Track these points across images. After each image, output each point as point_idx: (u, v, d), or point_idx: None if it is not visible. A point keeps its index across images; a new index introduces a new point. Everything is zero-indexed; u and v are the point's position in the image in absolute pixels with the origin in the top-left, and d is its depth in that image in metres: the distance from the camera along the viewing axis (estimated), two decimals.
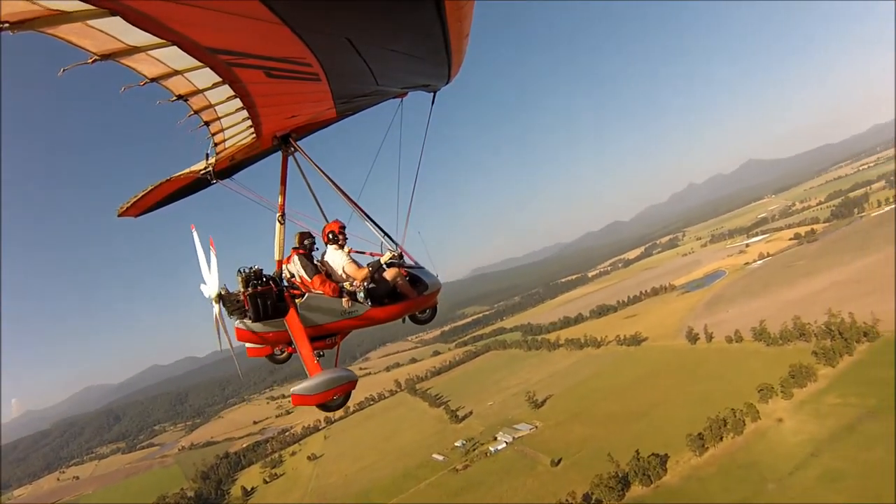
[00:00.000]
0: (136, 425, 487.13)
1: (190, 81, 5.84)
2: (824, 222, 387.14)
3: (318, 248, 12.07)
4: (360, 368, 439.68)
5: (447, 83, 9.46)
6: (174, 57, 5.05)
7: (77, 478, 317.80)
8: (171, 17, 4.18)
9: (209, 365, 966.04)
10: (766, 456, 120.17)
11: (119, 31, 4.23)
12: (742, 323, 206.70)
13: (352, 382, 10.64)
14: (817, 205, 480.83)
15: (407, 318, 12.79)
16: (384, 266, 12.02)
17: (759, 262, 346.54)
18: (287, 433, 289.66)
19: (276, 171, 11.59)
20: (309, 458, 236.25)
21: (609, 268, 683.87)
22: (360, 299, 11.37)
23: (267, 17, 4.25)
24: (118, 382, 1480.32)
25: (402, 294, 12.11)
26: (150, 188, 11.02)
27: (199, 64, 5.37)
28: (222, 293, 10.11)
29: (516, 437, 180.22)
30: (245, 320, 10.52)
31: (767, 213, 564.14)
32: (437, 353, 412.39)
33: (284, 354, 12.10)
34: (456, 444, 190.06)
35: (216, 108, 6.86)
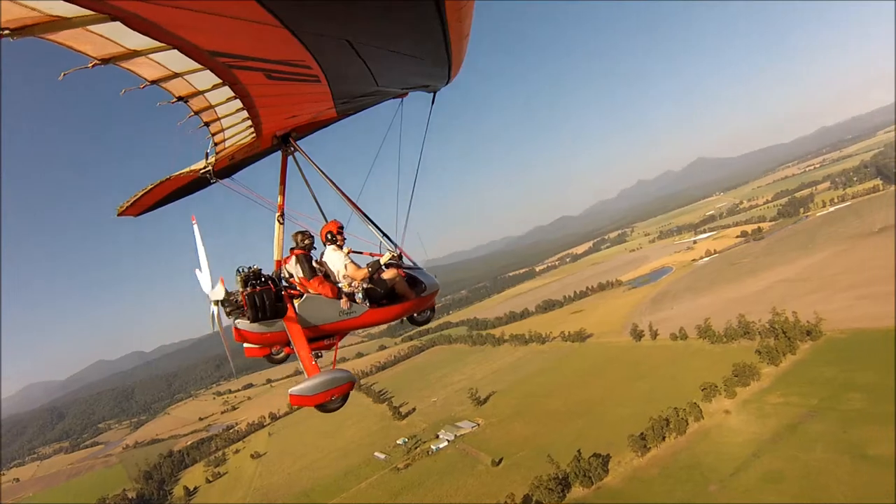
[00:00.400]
0: (80, 423, 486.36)
1: (190, 83, 5.96)
2: (771, 221, 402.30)
3: (316, 248, 12.10)
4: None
5: (447, 83, 9.51)
6: (174, 60, 5.18)
7: (17, 480, 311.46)
8: (170, 22, 4.27)
9: (157, 360, 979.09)
10: (708, 457, 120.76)
11: (119, 35, 4.34)
12: (687, 320, 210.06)
13: (350, 383, 10.83)
14: (764, 203, 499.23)
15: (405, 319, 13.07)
16: (383, 267, 12.15)
17: (705, 259, 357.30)
18: (232, 430, 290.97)
19: (275, 170, 11.87)
20: (252, 456, 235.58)
21: (557, 262, 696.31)
22: (358, 300, 11.52)
23: (266, 19, 4.33)
24: (63, 379, 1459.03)
25: (401, 295, 12.31)
26: (149, 187, 11.08)
27: (199, 66, 5.48)
28: (222, 298, 10.30)
29: (458, 435, 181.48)
30: (243, 320, 10.60)
31: (715, 211, 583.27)
32: (383, 348, 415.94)
33: (282, 354, 12.28)
34: (398, 441, 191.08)
35: (216, 108, 6.98)
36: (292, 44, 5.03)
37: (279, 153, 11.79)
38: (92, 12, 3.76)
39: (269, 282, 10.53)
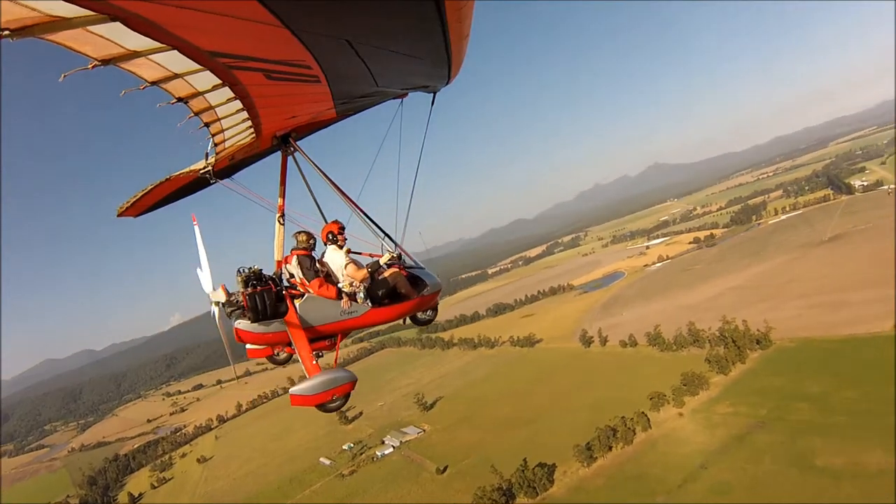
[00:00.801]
0: (25, 425, 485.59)
1: (190, 84, 6.08)
2: (723, 227, 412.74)
3: (317, 248, 12.24)
4: (258, 363, 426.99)
5: (447, 84, 9.62)
6: (174, 60, 5.28)
7: None
8: (171, 22, 4.34)
9: (107, 358, 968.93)
10: (655, 468, 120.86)
11: (119, 36, 4.42)
12: (637, 327, 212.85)
13: (351, 383, 11.04)
14: (717, 210, 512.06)
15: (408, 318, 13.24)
16: (384, 266, 12.34)
17: (658, 265, 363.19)
18: (179, 433, 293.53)
19: (275, 170, 12.11)
20: (198, 460, 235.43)
21: (510, 265, 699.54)
22: (359, 300, 11.64)
23: (267, 19, 4.40)
24: (8, 378, 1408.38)
25: (403, 294, 12.31)
26: (149, 188, 11.20)
27: (199, 67, 5.60)
28: (222, 299, 10.68)
29: (404, 441, 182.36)
30: (244, 320, 10.81)
31: (669, 217, 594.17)
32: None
33: (284, 355, 12.41)
34: (344, 447, 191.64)
35: (216, 109, 7.13)
36: (292, 44, 5.12)
37: (279, 153, 11.97)
38: (92, 12, 3.83)
39: (270, 282, 10.81)
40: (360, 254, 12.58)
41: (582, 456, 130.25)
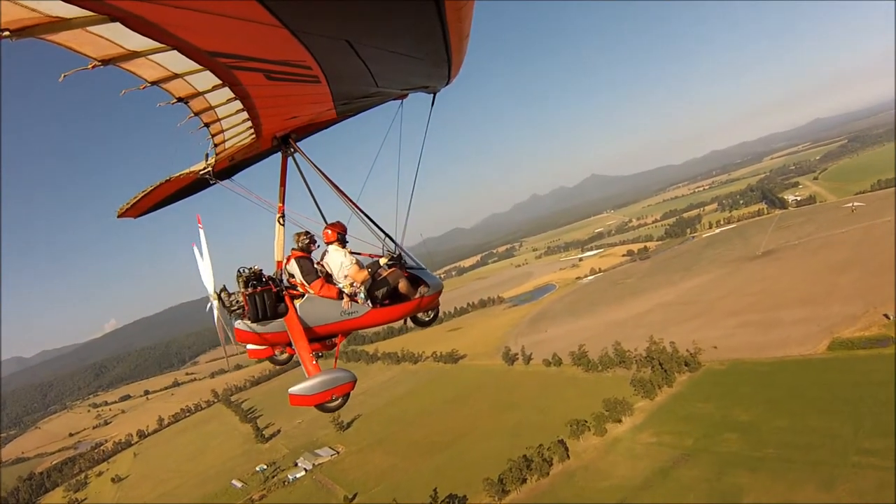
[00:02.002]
0: None
1: (190, 84, 6.13)
2: (657, 240, 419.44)
3: (318, 247, 12.55)
4: (187, 374, 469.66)
5: (447, 84, 9.67)
6: (174, 60, 5.33)
7: None
8: (171, 22, 4.40)
9: (36, 366, 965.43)
10: None
11: (119, 36, 4.46)
12: (563, 344, 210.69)
13: (350, 383, 11.24)
14: (653, 222, 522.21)
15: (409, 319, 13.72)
16: (384, 267, 12.75)
17: (590, 278, 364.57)
18: (99, 448, 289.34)
19: (275, 171, 12.33)
20: (113, 479, 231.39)
21: (443, 275, 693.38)
22: (360, 301, 11.96)
23: (267, 20, 4.47)
24: None
25: (403, 295, 12.63)
26: (149, 189, 11.38)
27: (199, 67, 5.67)
28: (221, 295, 11.09)
29: (316, 463, 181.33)
30: (245, 321, 11.22)
31: (604, 228, 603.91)
32: (261, 360, 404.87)
33: (285, 355, 12.75)
34: (257, 468, 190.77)
35: (216, 109, 7.18)
36: (292, 44, 5.21)
37: (279, 154, 12.10)
38: (92, 13, 3.90)
39: (270, 283, 11.19)
40: (360, 254, 12.79)
41: (493, 490, 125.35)
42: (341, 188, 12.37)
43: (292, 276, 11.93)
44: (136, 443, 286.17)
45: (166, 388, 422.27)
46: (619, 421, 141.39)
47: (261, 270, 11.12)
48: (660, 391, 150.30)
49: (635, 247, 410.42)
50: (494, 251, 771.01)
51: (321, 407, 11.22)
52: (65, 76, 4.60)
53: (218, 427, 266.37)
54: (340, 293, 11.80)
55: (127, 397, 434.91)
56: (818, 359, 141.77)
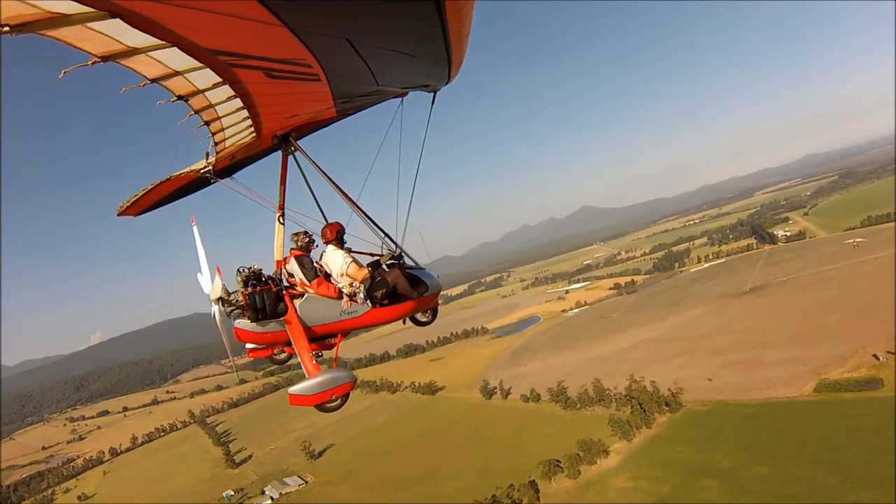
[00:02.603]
0: None
1: (190, 82, 6.19)
2: (645, 274, 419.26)
3: (317, 246, 12.69)
4: (168, 392, 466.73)
5: (447, 83, 9.86)
6: (174, 58, 5.39)
7: None
8: (171, 20, 4.46)
9: (18, 375, 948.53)
10: None
11: (119, 32, 4.50)
12: (542, 380, 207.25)
13: (350, 383, 11.36)
14: (642, 256, 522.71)
15: (408, 319, 13.80)
16: (384, 267, 12.87)
17: (575, 311, 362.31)
18: (70, 464, 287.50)
19: (276, 170, 12.49)
20: (80, 497, 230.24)
21: None
22: (359, 300, 12.07)
23: (267, 18, 4.53)
24: None
25: (403, 295, 12.66)
26: (149, 187, 11.47)
27: (200, 65, 5.73)
28: (223, 296, 11.11)
29: (283, 492, 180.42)
30: (244, 320, 11.28)
31: (593, 261, 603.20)
32: (242, 382, 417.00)
33: (284, 355, 12.83)
34: (224, 495, 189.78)
35: (216, 107, 7.26)
36: (293, 43, 5.26)
37: (279, 152, 12.15)
38: (92, 9, 3.93)
39: (270, 282, 11.31)
40: (360, 253, 12.95)
41: None
42: (341, 187, 12.37)
43: (292, 275, 12.04)
44: (108, 461, 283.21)
45: (145, 406, 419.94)
46: (594, 463, 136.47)
47: (260, 270, 11.22)
48: (638, 432, 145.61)
49: (622, 280, 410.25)
50: (482, 280, 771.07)
51: (321, 407, 11.27)
52: (65, 72, 4.63)
53: (190, 449, 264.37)
54: (340, 293, 11.92)
55: (105, 413, 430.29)
56: (804, 401, 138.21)
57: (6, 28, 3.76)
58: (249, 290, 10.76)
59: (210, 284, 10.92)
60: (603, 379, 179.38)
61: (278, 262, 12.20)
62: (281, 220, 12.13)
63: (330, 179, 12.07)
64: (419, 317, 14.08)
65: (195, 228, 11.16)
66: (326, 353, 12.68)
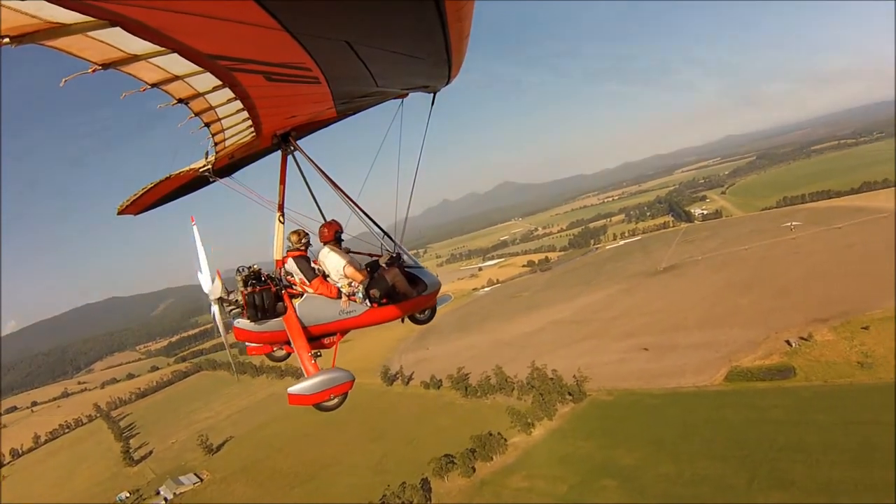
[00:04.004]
0: None
1: (190, 86, 6.34)
2: (560, 251, 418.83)
3: (313, 247, 12.88)
4: (79, 383, 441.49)
5: (447, 84, 9.92)
6: (174, 63, 5.50)
7: None
8: (170, 27, 4.52)
9: None
10: None
11: (119, 40, 4.58)
12: (445, 364, 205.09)
13: (348, 383, 11.49)
14: (558, 232, 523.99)
15: (407, 318, 13.85)
16: (383, 266, 12.90)
17: (486, 289, 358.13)
18: None
19: (275, 169, 12.71)
20: None
21: None
22: (358, 300, 12.16)
23: (266, 23, 4.54)
24: None
25: (402, 294, 12.77)
26: (149, 186, 11.56)
27: (200, 69, 5.82)
28: (222, 296, 11.33)
29: (178, 492, 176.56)
30: (243, 319, 11.44)
31: (509, 237, 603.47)
32: (154, 369, 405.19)
33: (283, 353, 12.99)
34: (118, 497, 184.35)
35: (216, 109, 7.43)
36: (292, 46, 5.31)
37: (279, 152, 12.30)
38: (91, 18, 3.99)
39: (269, 282, 11.41)
40: (359, 253, 13.29)
41: None
42: (341, 186, 12.50)
43: (290, 274, 12.10)
44: (9, 463, 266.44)
45: (54, 400, 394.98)
46: (490, 459, 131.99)
47: (260, 269, 11.31)
48: (538, 424, 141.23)
49: (536, 257, 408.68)
50: None
51: (319, 406, 11.31)
52: (66, 80, 4.79)
53: (93, 447, 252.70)
54: (339, 292, 12.00)
55: (13, 409, 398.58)
56: (714, 391, 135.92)
57: (6, 39, 3.82)
58: (249, 289, 10.82)
59: (210, 284, 11.10)
60: (507, 364, 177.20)
61: (277, 261, 12.22)
62: (281, 219, 12.19)
63: (329, 179, 12.17)
64: (418, 316, 14.12)
65: (195, 228, 11.27)
66: (327, 354, 12.55)
